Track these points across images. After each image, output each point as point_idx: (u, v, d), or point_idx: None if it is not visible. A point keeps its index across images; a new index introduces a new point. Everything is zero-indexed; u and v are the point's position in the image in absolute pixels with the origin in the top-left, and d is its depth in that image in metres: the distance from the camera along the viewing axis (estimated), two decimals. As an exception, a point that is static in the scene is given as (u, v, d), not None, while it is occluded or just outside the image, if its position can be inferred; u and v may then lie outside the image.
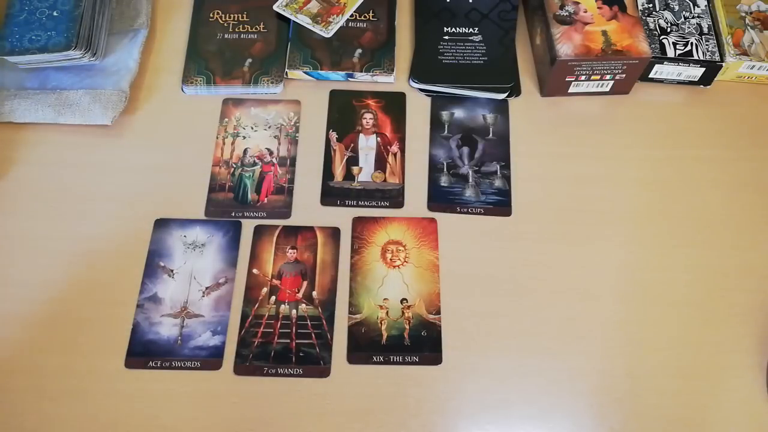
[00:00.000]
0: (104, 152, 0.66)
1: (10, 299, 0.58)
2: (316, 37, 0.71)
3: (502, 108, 0.69)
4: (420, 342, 0.57)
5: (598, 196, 0.64)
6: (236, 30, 0.72)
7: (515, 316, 0.58)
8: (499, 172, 0.66)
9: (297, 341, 0.57)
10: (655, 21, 0.70)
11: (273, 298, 0.59)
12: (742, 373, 0.56)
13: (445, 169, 0.66)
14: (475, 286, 0.60)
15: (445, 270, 0.60)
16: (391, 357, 0.56)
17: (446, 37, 0.71)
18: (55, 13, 0.66)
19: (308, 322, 0.58)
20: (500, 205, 0.64)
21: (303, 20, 0.71)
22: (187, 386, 0.55)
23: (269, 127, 0.68)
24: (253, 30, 0.72)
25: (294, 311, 0.58)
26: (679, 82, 0.71)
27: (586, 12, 0.67)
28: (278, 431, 0.53)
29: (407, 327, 0.58)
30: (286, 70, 0.69)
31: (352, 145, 0.67)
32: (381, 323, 0.58)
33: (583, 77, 0.67)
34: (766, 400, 0.55)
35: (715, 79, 0.70)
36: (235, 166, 0.65)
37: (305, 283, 0.59)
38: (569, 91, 0.69)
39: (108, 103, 0.65)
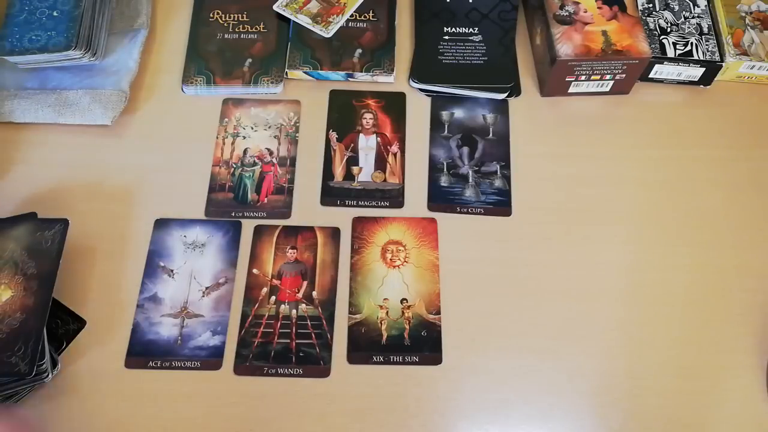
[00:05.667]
0: (104, 152, 0.66)
1: (10, 299, 0.58)
2: (316, 37, 0.71)
3: (502, 108, 0.69)
4: (420, 342, 0.57)
5: (599, 196, 0.64)
6: (236, 30, 0.72)
7: (515, 316, 0.58)
8: (499, 172, 0.66)
9: (297, 341, 0.57)
10: (655, 21, 0.70)
11: (273, 298, 0.59)
12: (742, 373, 0.56)
13: (445, 169, 0.66)
14: (475, 286, 0.60)
15: (445, 270, 0.60)
16: (391, 357, 0.56)
17: (446, 37, 0.71)
18: (55, 13, 0.66)
19: (308, 322, 0.58)
20: (500, 205, 0.64)
21: (303, 20, 0.71)
22: (187, 386, 0.55)
23: (269, 127, 0.68)
24: (253, 30, 0.72)
25: (294, 311, 0.58)
26: (679, 82, 0.71)
27: (586, 12, 0.67)
28: (278, 431, 0.53)
29: (407, 327, 0.58)
30: (286, 70, 0.69)
31: (352, 145, 0.67)
32: (381, 323, 0.58)
33: (583, 77, 0.67)
34: (766, 400, 0.55)
35: (715, 79, 0.70)
36: (235, 166, 0.65)
37: (305, 283, 0.59)
38: (569, 91, 0.69)
39: (108, 103, 0.65)
